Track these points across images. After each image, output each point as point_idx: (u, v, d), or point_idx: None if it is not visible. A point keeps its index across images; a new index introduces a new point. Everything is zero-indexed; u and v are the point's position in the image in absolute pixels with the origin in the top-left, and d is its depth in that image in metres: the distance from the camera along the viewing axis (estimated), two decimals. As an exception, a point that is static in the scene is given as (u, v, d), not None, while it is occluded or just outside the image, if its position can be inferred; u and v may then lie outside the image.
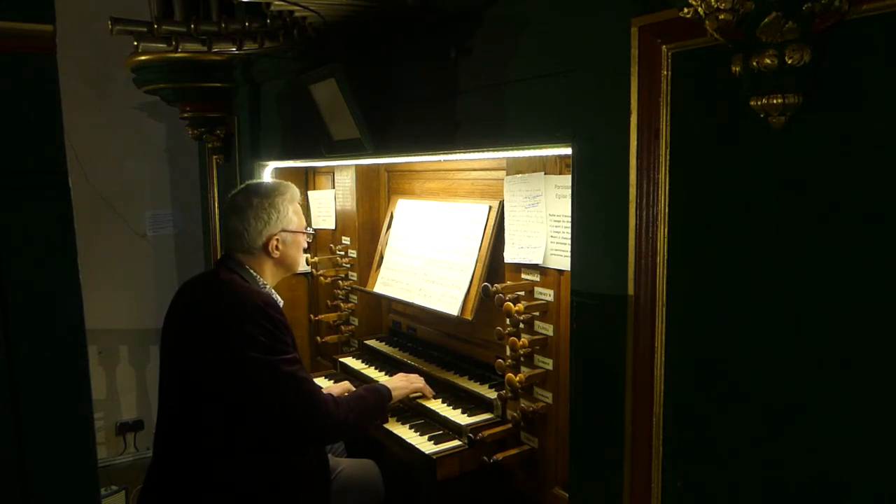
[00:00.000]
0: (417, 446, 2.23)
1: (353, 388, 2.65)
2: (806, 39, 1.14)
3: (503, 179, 2.27)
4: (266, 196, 2.26)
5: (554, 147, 1.84)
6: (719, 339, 1.38)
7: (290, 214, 2.28)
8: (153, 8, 2.98)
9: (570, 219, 1.71)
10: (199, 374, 2.06)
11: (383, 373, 2.76)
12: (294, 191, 2.35)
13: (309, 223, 2.60)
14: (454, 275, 2.53)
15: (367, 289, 2.98)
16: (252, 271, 2.23)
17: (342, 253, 3.28)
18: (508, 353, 2.20)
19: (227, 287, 2.11)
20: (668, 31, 1.40)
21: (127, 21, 2.47)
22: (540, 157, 2.10)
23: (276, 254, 2.25)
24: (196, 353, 2.07)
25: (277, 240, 2.24)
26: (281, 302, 2.19)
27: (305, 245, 2.40)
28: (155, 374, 4.53)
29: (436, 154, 2.35)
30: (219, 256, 3.94)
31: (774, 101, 1.19)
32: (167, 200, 4.71)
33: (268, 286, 2.25)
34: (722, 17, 1.16)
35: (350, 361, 2.98)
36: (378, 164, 3.13)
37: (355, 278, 3.19)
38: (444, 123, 2.16)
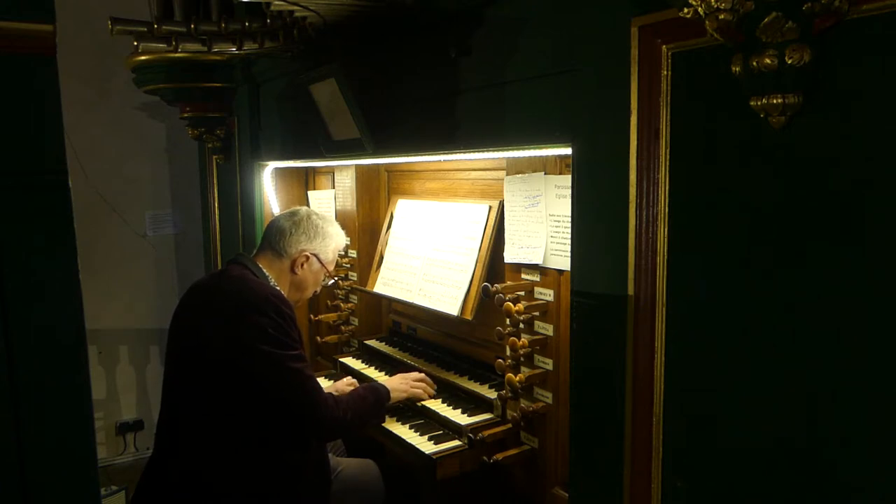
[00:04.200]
0: (417, 446, 2.23)
1: (357, 383, 2.66)
2: (806, 39, 1.14)
3: (503, 179, 2.27)
4: (326, 221, 2.39)
5: (554, 147, 1.85)
6: (719, 339, 1.38)
7: (330, 250, 2.39)
8: (153, 8, 2.98)
9: (570, 219, 1.71)
10: (205, 367, 2.07)
11: (383, 373, 2.77)
12: (345, 241, 2.50)
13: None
14: (454, 275, 2.53)
15: (367, 289, 2.98)
16: (266, 272, 2.25)
17: (342, 253, 3.28)
18: (508, 353, 2.20)
19: (238, 280, 2.15)
20: (668, 31, 1.40)
21: (127, 21, 2.47)
22: (540, 157, 2.10)
23: (299, 271, 2.31)
24: (204, 345, 2.08)
25: (307, 258, 2.31)
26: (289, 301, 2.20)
27: (321, 286, 2.47)
28: (155, 374, 4.57)
29: (436, 154, 2.35)
30: (219, 256, 4.01)
31: (774, 101, 1.19)
32: (167, 200, 4.71)
33: (278, 288, 2.25)
34: (722, 17, 1.16)
35: (350, 361, 2.98)
36: (378, 164, 3.13)
37: (355, 278, 3.20)
38: (444, 123, 2.16)
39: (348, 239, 2.54)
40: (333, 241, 2.40)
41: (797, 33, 1.14)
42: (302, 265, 2.30)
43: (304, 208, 2.43)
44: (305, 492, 2.14)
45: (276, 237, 2.29)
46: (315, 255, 2.33)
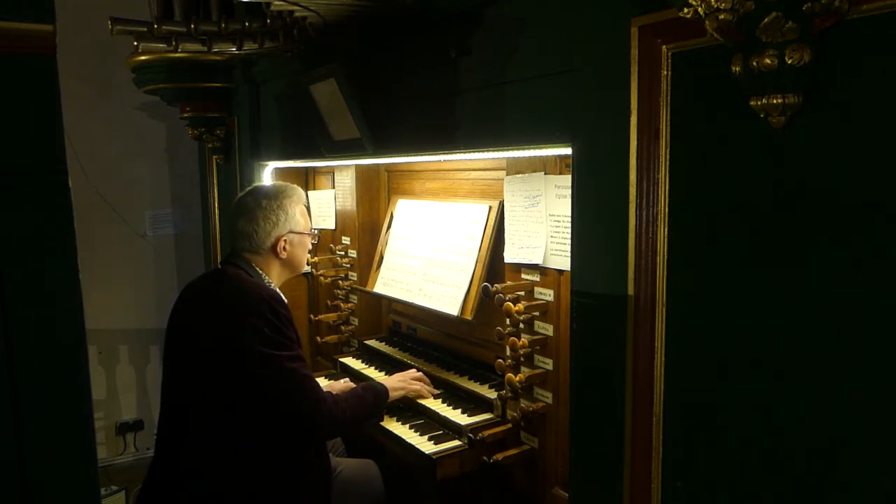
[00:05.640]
0: (417, 446, 2.23)
1: (353, 385, 2.66)
2: (806, 39, 1.14)
3: (503, 179, 2.27)
4: (275, 198, 2.29)
5: (554, 147, 1.85)
6: (719, 339, 1.38)
7: (297, 216, 2.32)
8: (153, 8, 2.98)
9: (570, 219, 1.71)
10: (203, 368, 2.07)
11: (383, 373, 2.76)
12: (300, 193, 2.40)
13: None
14: (454, 275, 2.53)
15: (367, 289, 2.98)
16: (258, 269, 2.25)
17: (342, 253, 3.28)
18: (508, 353, 2.20)
19: (233, 281, 2.14)
20: (668, 31, 1.40)
21: (127, 21, 2.47)
22: (540, 157, 2.10)
23: (284, 255, 2.28)
24: (200, 346, 2.08)
25: (285, 241, 2.28)
26: (285, 300, 2.20)
27: (310, 246, 2.43)
28: (155, 374, 4.57)
29: (436, 154, 2.35)
30: (219, 256, 4.01)
31: (774, 101, 1.19)
32: (167, 200, 4.71)
33: (273, 284, 2.26)
34: (722, 17, 1.16)
35: (350, 361, 2.98)
36: (378, 164, 3.13)
37: (355, 278, 3.20)
38: (444, 123, 2.16)
39: (304, 193, 2.44)
40: (296, 207, 2.32)
41: (797, 33, 1.14)
42: (284, 248, 2.28)
43: (249, 197, 2.32)
44: (306, 492, 2.14)
45: (246, 242, 2.25)
46: (290, 233, 2.29)
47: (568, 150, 1.71)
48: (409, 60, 2.35)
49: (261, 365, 1.99)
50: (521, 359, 2.19)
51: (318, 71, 2.49)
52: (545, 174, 2.10)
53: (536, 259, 2.13)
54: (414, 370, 2.58)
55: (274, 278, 2.29)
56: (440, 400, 2.47)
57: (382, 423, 2.39)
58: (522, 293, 2.18)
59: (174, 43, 2.53)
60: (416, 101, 2.32)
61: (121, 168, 4.47)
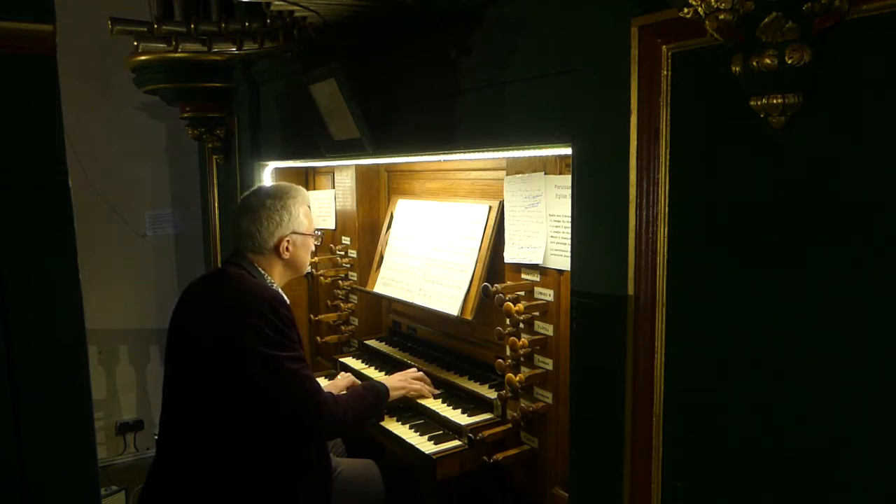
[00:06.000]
0: (417, 446, 2.23)
1: (358, 382, 2.66)
2: (806, 39, 1.14)
3: (503, 179, 2.27)
4: (279, 198, 2.29)
5: (554, 147, 1.85)
6: (719, 339, 1.38)
7: (300, 217, 2.32)
8: (153, 8, 2.98)
9: (570, 219, 1.71)
10: (203, 368, 2.07)
11: (383, 373, 2.76)
12: (305, 194, 2.40)
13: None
14: (454, 275, 2.53)
15: (367, 289, 2.98)
16: (261, 270, 2.25)
17: (342, 253, 3.28)
18: (508, 353, 2.20)
19: (235, 281, 2.14)
20: (668, 31, 1.40)
21: (127, 21, 2.47)
22: (540, 157, 2.10)
23: (287, 255, 2.28)
24: (201, 346, 2.08)
25: (288, 241, 2.28)
26: (287, 301, 2.20)
27: (313, 248, 2.43)
28: (155, 374, 4.57)
29: (436, 154, 2.35)
30: (219, 256, 4.01)
31: (774, 101, 1.19)
32: (167, 200, 4.71)
33: (275, 285, 2.26)
34: (722, 17, 1.16)
35: (350, 361, 2.98)
36: (378, 164, 3.13)
37: (355, 278, 3.20)
38: (444, 123, 2.16)
39: (308, 194, 2.44)
40: (299, 208, 2.32)
41: (797, 33, 1.14)
42: (287, 249, 2.28)
43: (253, 197, 2.32)
44: (306, 492, 2.14)
45: (249, 241, 2.25)
46: (293, 233, 2.29)
47: (568, 150, 1.71)
48: (409, 60, 2.35)
49: (261, 365, 2.00)
50: (521, 359, 2.19)
51: (318, 71, 2.49)
52: (545, 174, 2.10)
53: (536, 259, 2.13)
54: (414, 370, 2.59)
55: (276, 278, 2.29)
56: (440, 400, 2.47)
57: (382, 423, 2.39)
58: (522, 293, 2.18)
59: (174, 43, 2.53)
60: (416, 101, 2.32)
61: (121, 168, 4.47)
